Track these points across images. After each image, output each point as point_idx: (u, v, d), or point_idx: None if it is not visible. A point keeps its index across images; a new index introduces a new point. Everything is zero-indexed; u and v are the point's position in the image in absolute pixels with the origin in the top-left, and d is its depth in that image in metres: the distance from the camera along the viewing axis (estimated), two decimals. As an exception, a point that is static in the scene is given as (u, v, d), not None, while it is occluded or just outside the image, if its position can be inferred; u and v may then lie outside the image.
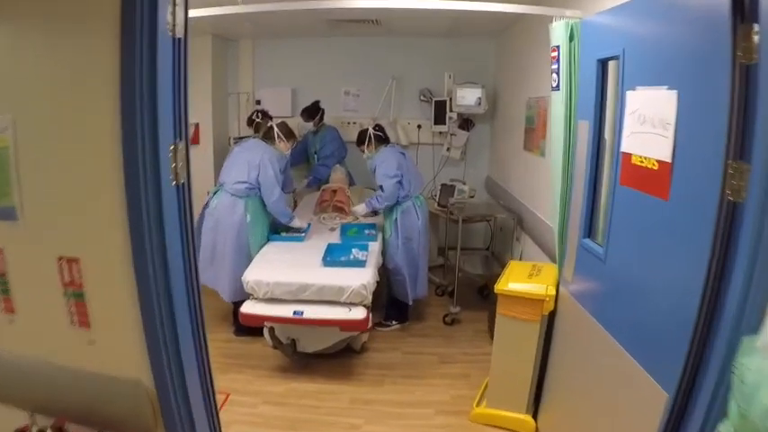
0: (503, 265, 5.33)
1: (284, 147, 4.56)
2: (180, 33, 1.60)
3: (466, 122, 6.34)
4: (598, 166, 2.79)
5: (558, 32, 3.01)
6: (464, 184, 5.82)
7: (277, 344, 4.05)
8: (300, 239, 4.43)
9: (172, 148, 1.62)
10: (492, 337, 4.15)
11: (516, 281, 3.34)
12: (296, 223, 4.63)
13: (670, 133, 1.99)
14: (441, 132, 6.40)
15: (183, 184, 1.67)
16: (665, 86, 2.03)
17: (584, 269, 2.93)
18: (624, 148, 2.40)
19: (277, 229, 4.59)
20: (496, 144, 6.31)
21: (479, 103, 5.90)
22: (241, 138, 5.97)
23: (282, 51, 6.61)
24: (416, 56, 6.49)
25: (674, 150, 1.98)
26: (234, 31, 6.13)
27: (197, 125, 6.24)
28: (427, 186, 6.37)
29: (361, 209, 4.78)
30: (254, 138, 4.58)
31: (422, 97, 6.49)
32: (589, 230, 2.89)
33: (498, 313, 3.40)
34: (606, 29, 2.65)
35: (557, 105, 3.09)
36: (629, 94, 2.36)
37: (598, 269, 2.71)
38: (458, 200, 5.54)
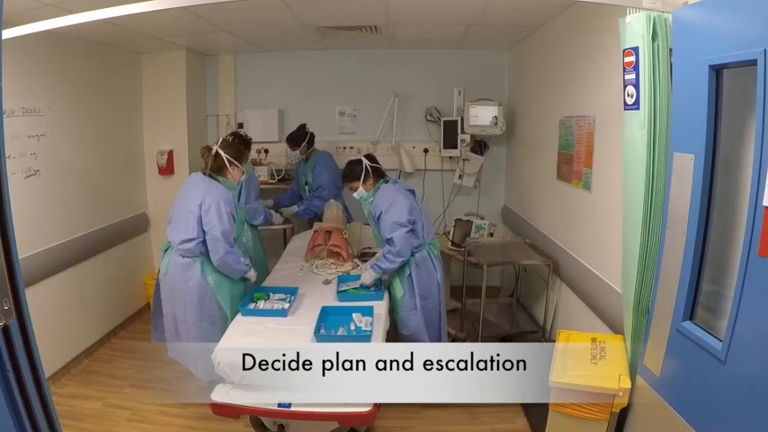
0: (530, 317, 4.55)
1: (238, 174, 3.49)
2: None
3: (479, 145, 5.55)
4: (709, 220, 1.95)
5: (635, 29, 2.19)
6: (482, 218, 4.97)
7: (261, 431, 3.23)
8: (284, 314, 3.38)
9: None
10: (524, 407, 3.65)
11: (577, 368, 2.49)
12: (251, 274, 3.61)
13: None
14: (451, 157, 5.62)
15: (7, 328, 0.80)
16: None
17: (682, 362, 2.12)
18: (769, 201, 1.58)
19: (252, 294, 3.57)
20: (516, 170, 5.49)
21: (496, 123, 5.11)
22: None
23: (268, 67, 5.83)
24: (421, 70, 5.74)
25: None
26: (211, 43, 5.33)
27: (170, 152, 5.53)
28: (437, 220, 5.59)
29: (367, 277, 3.70)
30: (198, 173, 3.54)
31: (428, 117, 5.73)
32: (692, 311, 2.05)
33: (552, 410, 2.55)
34: (724, 21, 1.83)
35: (633, 129, 2.27)
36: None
37: (710, 369, 1.90)
38: (475, 239, 4.69)
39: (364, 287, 3.71)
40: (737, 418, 1.76)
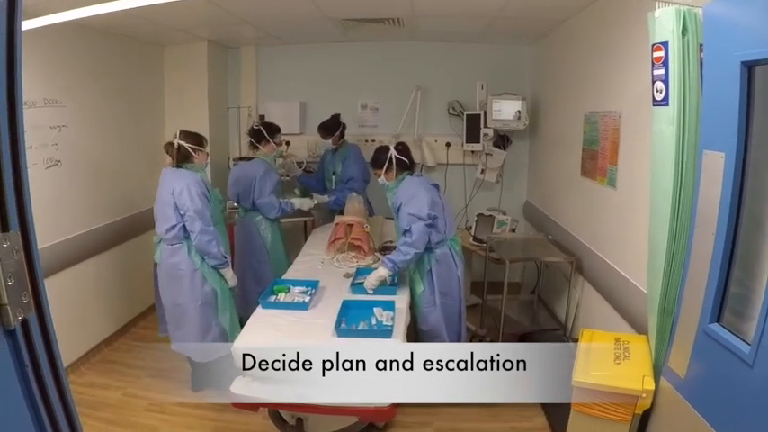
0: (552, 314, 4.50)
1: (203, 158, 3.73)
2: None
3: (502, 140, 5.48)
4: (739, 220, 1.89)
5: (664, 24, 2.13)
6: (504, 214, 4.93)
7: (280, 425, 3.25)
8: (304, 307, 3.37)
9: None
10: (543, 405, 3.60)
11: (600, 368, 2.45)
12: (229, 275, 3.75)
13: None
14: (473, 152, 5.57)
15: (26, 322, 0.79)
16: None
17: (708, 365, 2.07)
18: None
19: (273, 287, 3.56)
20: (539, 166, 5.43)
21: (519, 118, 5.04)
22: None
23: (290, 59, 5.81)
24: (444, 63, 5.68)
25: None
26: (233, 35, 5.33)
27: (192, 143, 5.47)
28: (458, 215, 5.54)
29: (374, 279, 3.53)
30: (168, 167, 3.72)
31: (451, 110, 5.68)
32: (719, 313, 2.00)
33: (574, 409, 2.52)
34: (757, 16, 1.77)
35: (661, 125, 2.21)
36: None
37: (737, 372, 1.85)
38: (497, 234, 4.65)
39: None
40: (764, 423, 1.70)
